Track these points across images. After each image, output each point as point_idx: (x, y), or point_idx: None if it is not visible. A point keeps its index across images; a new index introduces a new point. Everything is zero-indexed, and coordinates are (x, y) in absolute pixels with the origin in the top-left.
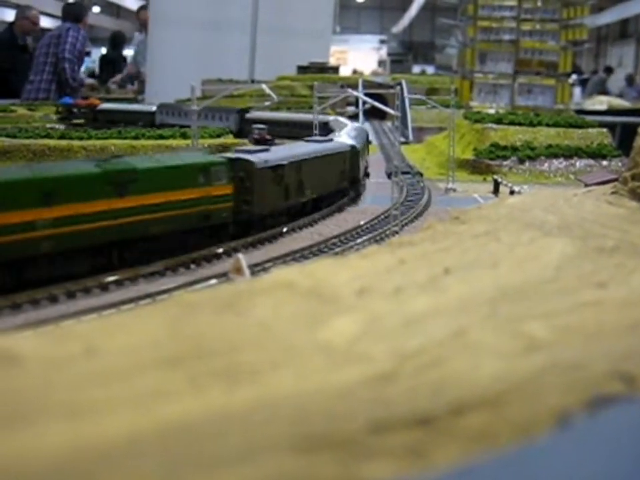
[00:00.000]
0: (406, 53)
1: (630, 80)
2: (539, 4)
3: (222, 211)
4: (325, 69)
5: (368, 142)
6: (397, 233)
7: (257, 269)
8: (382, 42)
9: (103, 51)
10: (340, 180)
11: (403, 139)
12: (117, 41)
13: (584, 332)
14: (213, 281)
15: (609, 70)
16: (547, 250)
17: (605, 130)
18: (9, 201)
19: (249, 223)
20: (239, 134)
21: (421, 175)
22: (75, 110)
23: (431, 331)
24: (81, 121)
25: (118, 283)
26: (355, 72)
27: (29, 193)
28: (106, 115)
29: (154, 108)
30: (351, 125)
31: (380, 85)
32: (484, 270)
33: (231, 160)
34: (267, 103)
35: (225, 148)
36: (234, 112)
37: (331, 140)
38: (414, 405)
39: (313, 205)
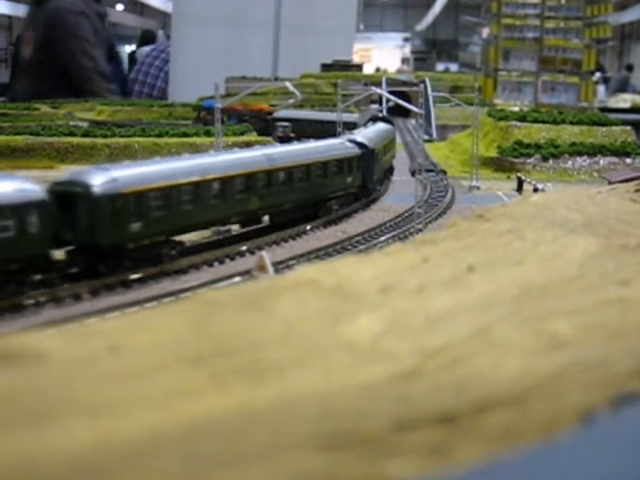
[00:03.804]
0: (429, 50)
1: None
2: (563, 2)
3: None
4: (348, 67)
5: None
6: (420, 230)
7: (280, 266)
8: (405, 40)
9: (128, 49)
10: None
11: (426, 137)
12: (146, 39)
13: (607, 330)
14: (237, 279)
15: (629, 68)
16: (571, 248)
17: (628, 128)
18: None
19: None
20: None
21: (445, 172)
22: (224, 116)
23: (455, 328)
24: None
25: (141, 281)
26: (378, 70)
27: None
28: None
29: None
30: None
31: (404, 83)
32: (508, 268)
33: None
34: (290, 101)
35: (247, 145)
36: None
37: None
38: (438, 403)
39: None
